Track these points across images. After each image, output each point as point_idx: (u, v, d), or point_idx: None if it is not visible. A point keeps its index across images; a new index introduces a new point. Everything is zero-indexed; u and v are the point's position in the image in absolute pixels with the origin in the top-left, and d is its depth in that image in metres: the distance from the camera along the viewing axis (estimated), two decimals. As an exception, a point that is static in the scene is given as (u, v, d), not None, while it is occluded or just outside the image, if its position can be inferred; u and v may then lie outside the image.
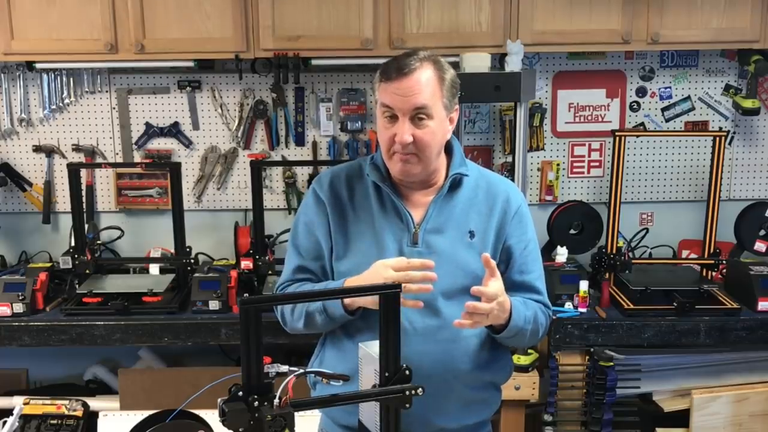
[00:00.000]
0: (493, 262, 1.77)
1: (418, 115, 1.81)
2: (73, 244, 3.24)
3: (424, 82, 1.80)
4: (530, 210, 2.03)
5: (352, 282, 1.82)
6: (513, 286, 1.92)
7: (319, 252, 1.95)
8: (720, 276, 3.29)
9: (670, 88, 3.48)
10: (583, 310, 3.01)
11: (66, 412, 3.01)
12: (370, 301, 1.77)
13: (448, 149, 1.97)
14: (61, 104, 3.44)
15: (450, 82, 1.85)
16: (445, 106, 1.84)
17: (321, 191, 1.96)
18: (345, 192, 1.95)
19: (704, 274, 3.25)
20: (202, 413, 2.48)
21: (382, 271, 1.74)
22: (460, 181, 1.94)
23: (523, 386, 2.97)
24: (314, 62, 3.22)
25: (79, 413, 3.02)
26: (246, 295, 3.06)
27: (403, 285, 1.58)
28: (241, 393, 1.36)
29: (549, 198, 3.53)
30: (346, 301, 1.82)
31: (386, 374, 1.47)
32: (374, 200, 1.93)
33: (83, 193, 3.34)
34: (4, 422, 2.69)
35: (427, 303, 1.81)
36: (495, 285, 1.76)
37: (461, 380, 1.90)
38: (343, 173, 1.99)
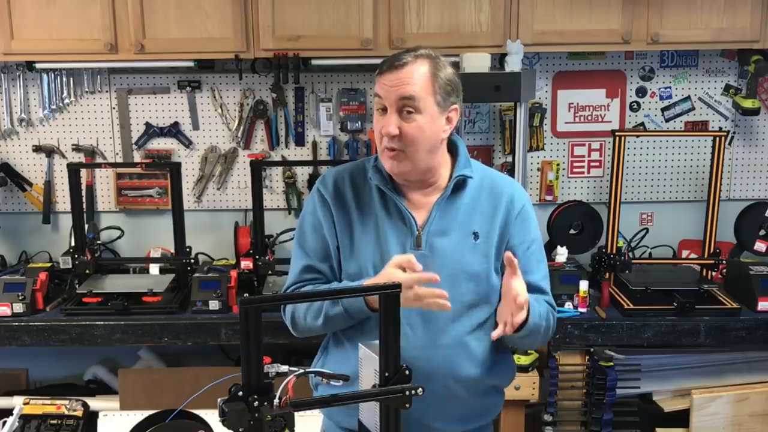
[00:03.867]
0: (516, 261, 1.74)
1: (406, 108, 1.79)
2: (73, 244, 3.24)
3: (416, 76, 1.79)
4: (530, 210, 2.02)
5: (369, 284, 1.78)
6: None
7: (327, 252, 1.93)
8: (720, 276, 3.28)
9: (670, 88, 3.48)
10: (583, 310, 3.01)
11: (66, 412, 3.01)
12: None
13: (453, 150, 1.95)
14: (61, 104, 3.44)
15: (445, 80, 1.83)
16: (437, 102, 1.82)
17: (325, 191, 1.94)
18: (349, 193, 1.93)
19: (704, 274, 3.25)
20: (202, 413, 2.49)
21: (390, 272, 1.72)
22: (464, 183, 1.91)
23: (523, 386, 2.97)
24: (314, 62, 3.22)
25: (79, 413, 3.02)
26: (246, 295, 3.05)
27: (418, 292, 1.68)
28: (241, 393, 1.36)
29: (549, 198, 3.53)
30: (370, 300, 1.80)
31: (386, 374, 1.47)
32: (378, 202, 1.91)
33: (83, 193, 3.33)
34: (4, 422, 2.69)
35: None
36: (521, 286, 1.74)
37: (465, 386, 1.88)
38: (347, 173, 1.96)
